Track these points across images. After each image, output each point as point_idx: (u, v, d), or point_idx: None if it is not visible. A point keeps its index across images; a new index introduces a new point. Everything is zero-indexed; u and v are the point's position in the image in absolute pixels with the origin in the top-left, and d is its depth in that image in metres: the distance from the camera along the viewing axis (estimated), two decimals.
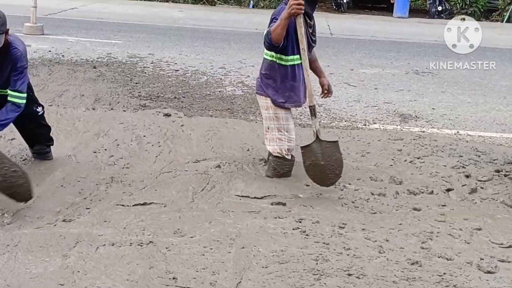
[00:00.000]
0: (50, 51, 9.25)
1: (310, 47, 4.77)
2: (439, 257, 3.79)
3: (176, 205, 4.36)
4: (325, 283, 3.45)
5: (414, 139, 5.87)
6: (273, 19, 4.57)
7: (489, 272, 3.66)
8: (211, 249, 3.76)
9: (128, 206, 4.33)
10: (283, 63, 4.72)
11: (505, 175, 5.12)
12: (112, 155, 5.20)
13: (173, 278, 3.43)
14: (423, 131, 6.39)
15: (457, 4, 19.16)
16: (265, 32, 4.48)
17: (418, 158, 5.40)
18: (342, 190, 4.72)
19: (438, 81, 8.92)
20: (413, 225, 4.22)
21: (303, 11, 4.35)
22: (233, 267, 3.58)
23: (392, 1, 19.48)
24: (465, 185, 4.92)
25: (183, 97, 7.27)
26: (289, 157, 4.86)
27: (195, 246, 3.79)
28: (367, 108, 7.26)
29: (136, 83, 7.75)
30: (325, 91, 4.98)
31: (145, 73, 8.34)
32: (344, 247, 3.84)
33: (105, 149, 5.31)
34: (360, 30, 13.05)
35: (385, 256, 3.78)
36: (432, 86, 8.54)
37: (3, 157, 4.12)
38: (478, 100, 7.92)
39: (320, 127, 4.75)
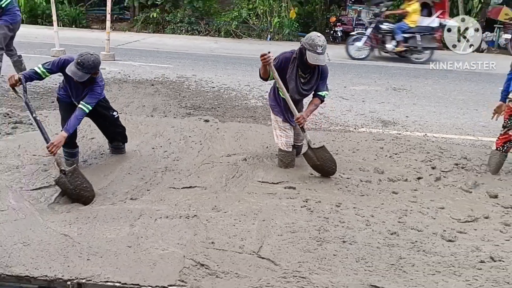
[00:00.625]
0: (119, 72, 9.32)
1: (300, 94, 4.72)
2: (411, 229, 3.79)
3: (213, 188, 4.39)
4: (325, 248, 3.46)
5: (392, 140, 5.85)
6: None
7: (450, 240, 3.65)
8: (240, 221, 3.78)
9: (178, 188, 4.38)
10: (280, 93, 4.73)
11: (462, 167, 5.08)
12: (166, 150, 5.24)
13: (212, 243, 3.46)
14: (399, 134, 6.36)
15: None
16: None
17: (396, 154, 5.38)
18: (338, 178, 4.71)
19: (410, 95, 8.86)
20: (392, 205, 4.21)
21: (268, 62, 4.36)
22: (256, 235, 3.60)
23: None
24: (431, 174, 4.89)
25: (218, 107, 7.30)
26: (290, 150, 4.86)
27: (227, 219, 3.81)
28: (356, 116, 7.24)
29: (183, 96, 7.79)
30: (296, 121, 4.69)
31: (190, 89, 8.38)
32: (339, 221, 3.85)
33: (161, 146, 5.36)
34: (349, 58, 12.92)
35: (371, 228, 3.78)
36: (406, 100, 8.48)
37: (80, 174, 4.16)
38: (441, 110, 7.86)
39: (310, 138, 4.70)
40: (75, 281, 2.99)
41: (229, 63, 11.51)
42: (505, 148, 4.90)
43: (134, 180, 4.51)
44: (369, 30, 12.78)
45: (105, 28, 11.59)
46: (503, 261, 3.39)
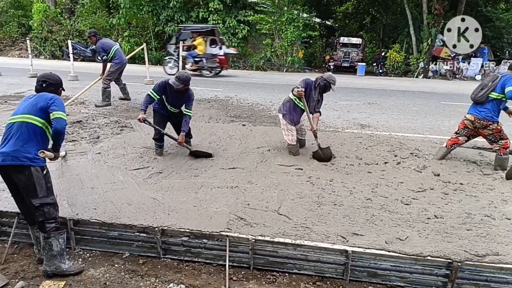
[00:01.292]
0: None
1: (316, 110, 4.81)
2: (380, 196, 3.73)
3: (248, 168, 4.40)
4: (322, 208, 3.44)
5: (368, 137, 5.74)
6: (297, 86, 4.66)
7: (406, 204, 3.58)
8: (266, 190, 3.79)
9: (225, 169, 4.39)
10: (296, 103, 4.71)
11: (415, 155, 4.95)
12: (217, 144, 5.26)
13: (247, 204, 3.48)
14: (372, 133, 6.23)
15: (389, 69, 18.57)
16: (294, 87, 4.64)
17: (370, 146, 5.28)
18: (332, 163, 4.66)
19: (380, 108, 8.66)
20: (367, 180, 4.15)
21: (301, 95, 4.55)
22: (276, 199, 3.60)
23: (356, 68, 19.04)
24: (394, 160, 4.79)
25: (251, 116, 7.29)
26: (294, 143, 4.81)
27: (257, 189, 3.83)
28: (343, 121, 7.13)
29: (228, 109, 7.81)
30: (313, 131, 4.79)
31: (233, 104, 8.40)
32: (332, 191, 3.82)
33: (214, 141, 5.38)
34: (339, 82, 12.76)
35: (353, 195, 3.74)
36: (377, 111, 8.30)
37: (199, 151, 4.76)
38: (401, 117, 7.67)
39: (320, 142, 4.78)
40: (160, 228, 3.07)
41: (258, 87, 11.49)
42: (452, 147, 4.78)
43: (196, 163, 4.54)
44: (176, 56, 13.05)
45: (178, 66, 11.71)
46: (443, 218, 3.32)
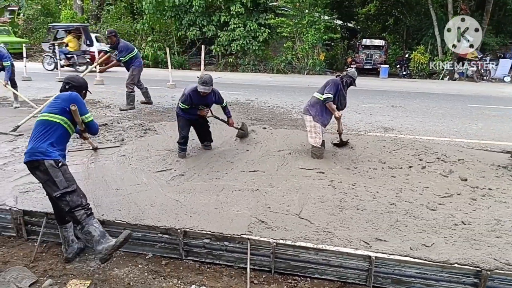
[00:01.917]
0: None
1: (343, 107, 4.97)
2: (405, 201, 3.65)
3: (269, 172, 4.39)
4: (345, 213, 3.40)
5: (391, 140, 5.62)
6: (327, 86, 4.73)
7: (432, 209, 3.49)
8: (287, 194, 3.78)
9: (246, 172, 4.40)
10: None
11: (442, 160, 4.82)
12: (239, 147, 5.29)
13: (268, 207, 3.47)
14: (396, 136, 6.10)
15: (413, 71, 18.14)
16: (328, 96, 4.65)
17: (394, 150, 5.18)
18: (354, 167, 4.60)
19: (404, 110, 8.48)
20: (391, 184, 4.07)
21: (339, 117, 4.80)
22: (297, 203, 3.58)
23: (378, 70, 18.71)
24: (419, 164, 4.67)
25: (272, 119, 7.29)
26: (320, 146, 4.77)
27: (279, 192, 3.82)
28: (366, 124, 7.02)
29: (249, 112, 7.83)
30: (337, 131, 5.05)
31: (254, 107, 8.43)
32: (354, 195, 3.76)
33: (235, 144, 5.41)
34: (361, 84, 12.47)
35: (377, 200, 3.67)
36: (401, 113, 8.13)
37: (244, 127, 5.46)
38: (426, 120, 7.47)
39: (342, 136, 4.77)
40: (182, 229, 3.10)
41: (279, 90, 11.48)
42: None
43: (218, 166, 4.57)
44: (57, 54, 13.80)
45: (200, 69, 11.86)
46: (471, 225, 3.21)
